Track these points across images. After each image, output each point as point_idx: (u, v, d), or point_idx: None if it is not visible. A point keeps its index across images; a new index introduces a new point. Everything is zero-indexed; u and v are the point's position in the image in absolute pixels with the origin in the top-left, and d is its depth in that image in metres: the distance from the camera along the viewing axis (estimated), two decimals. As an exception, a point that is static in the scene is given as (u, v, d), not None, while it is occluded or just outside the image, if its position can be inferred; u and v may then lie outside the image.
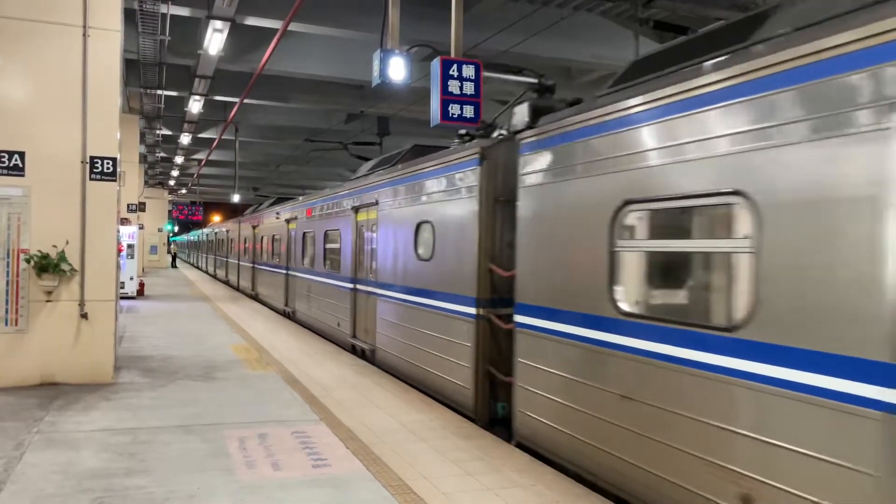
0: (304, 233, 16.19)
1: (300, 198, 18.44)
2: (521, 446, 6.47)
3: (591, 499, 5.17)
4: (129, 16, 12.79)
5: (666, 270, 5.20)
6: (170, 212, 49.42)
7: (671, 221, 5.01)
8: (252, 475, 5.43)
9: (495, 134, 7.58)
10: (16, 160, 8.40)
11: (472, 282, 7.48)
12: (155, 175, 43.37)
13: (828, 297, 3.56)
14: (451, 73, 7.26)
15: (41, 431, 6.50)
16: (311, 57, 17.25)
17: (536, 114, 6.69)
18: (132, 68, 17.43)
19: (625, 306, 5.16)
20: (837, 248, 3.53)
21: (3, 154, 8.36)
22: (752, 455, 3.95)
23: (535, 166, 6.42)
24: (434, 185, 8.64)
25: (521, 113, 6.85)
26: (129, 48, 14.62)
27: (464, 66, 7.32)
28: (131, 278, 20.53)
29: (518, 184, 6.67)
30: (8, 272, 8.45)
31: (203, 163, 35.20)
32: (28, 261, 8.40)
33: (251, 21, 14.05)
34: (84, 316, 8.66)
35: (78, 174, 8.63)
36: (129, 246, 20.03)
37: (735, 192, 4.15)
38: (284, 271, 18.31)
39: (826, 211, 3.60)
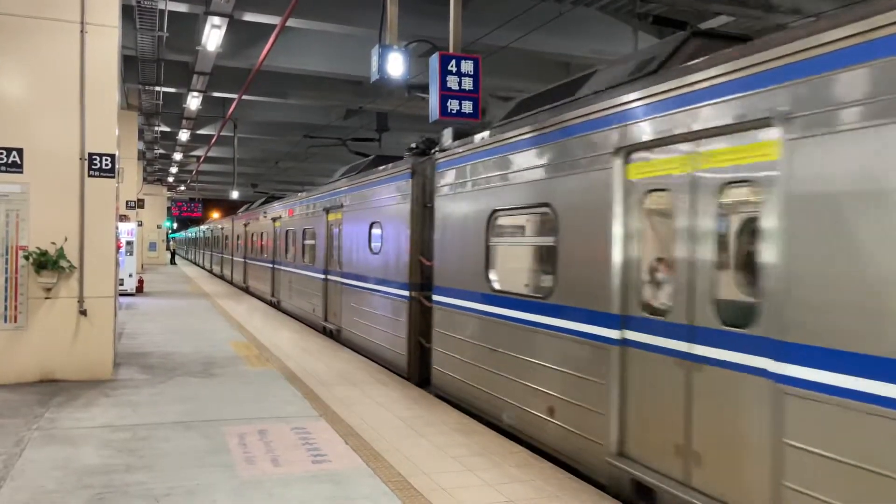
0: (287, 230, 18.12)
1: (284, 199, 20.53)
2: (438, 396, 8.29)
3: (589, 493, 5.18)
4: (126, 12, 12.75)
5: (515, 258, 7.37)
6: (169, 209, 49.39)
7: (517, 224, 7.24)
8: (252, 471, 5.43)
9: (435, 150, 9.07)
10: (14, 157, 8.38)
11: (406, 270, 9.47)
12: (154, 172, 43.34)
13: (591, 274, 5.53)
14: (449, 68, 7.24)
15: (41, 428, 6.50)
16: (309, 53, 17.21)
17: (457, 136, 8.38)
18: (130, 65, 17.39)
19: (495, 285, 7.13)
20: (594, 242, 5.47)
21: (1, 151, 8.34)
22: (555, 380, 5.99)
23: (444, 180, 8.33)
24: (382, 192, 10.62)
25: (447, 135, 8.57)
26: (127, 44, 14.59)
27: (462, 62, 7.30)
28: (130, 275, 20.51)
29: (435, 193, 8.61)
30: (7, 269, 8.44)
31: (202, 159, 35.17)
32: (27, 258, 8.39)
33: (249, 17, 14.02)
34: (83, 313, 8.66)
35: (76, 171, 8.62)
36: (128, 243, 20.01)
37: (545, 204, 6.24)
38: (271, 265, 20.07)
39: (588, 215, 5.57)
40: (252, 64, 16.27)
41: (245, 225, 25.30)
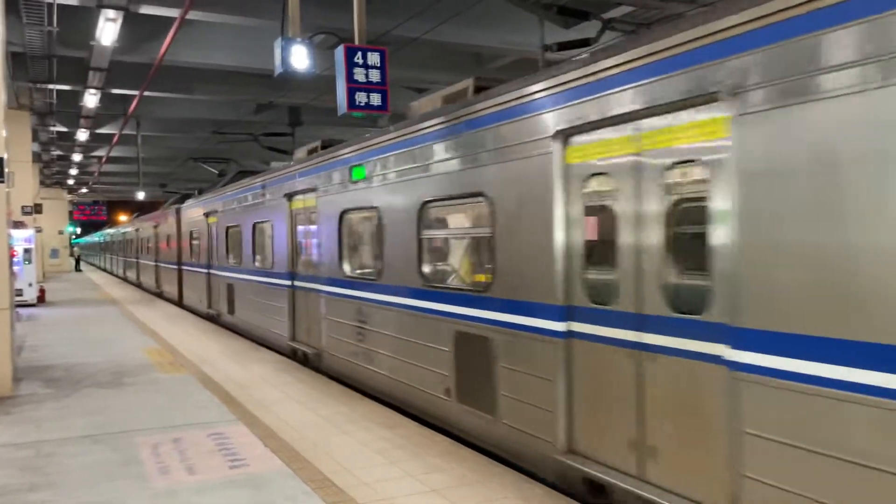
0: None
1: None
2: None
3: (511, 476, 5.27)
4: (11, 4, 11.96)
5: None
6: (71, 213, 46.87)
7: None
8: (166, 481, 5.24)
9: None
10: None
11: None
12: (52, 174, 40.95)
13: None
14: (356, 60, 7.15)
15: (-69, 453, 6.06)
16: (214, 46, 16.61)
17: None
18: (19, 61, 16.34)
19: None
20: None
21: None
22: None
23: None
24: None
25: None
26: (13, 40, 13.69)
27: (369, 54, 7.22)
28: (30, 284, 19.41)
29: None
30: None
31: (104, 160, 33.45)
32: None
33: (147, 9, 13.39)
34: (-25, 327, 8.12)
35: (-40, 176, 8.05)
36: (26, 250, 18.92)
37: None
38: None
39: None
40: (153, 59, 15.56)
41: (155, 227, 24.14)
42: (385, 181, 7.48)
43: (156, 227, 24.79)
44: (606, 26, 13.38)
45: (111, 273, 42.73)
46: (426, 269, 6.90)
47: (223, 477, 5.32)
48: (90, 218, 45.93)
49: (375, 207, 7.67)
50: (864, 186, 3.07)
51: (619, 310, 4.55)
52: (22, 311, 16.92)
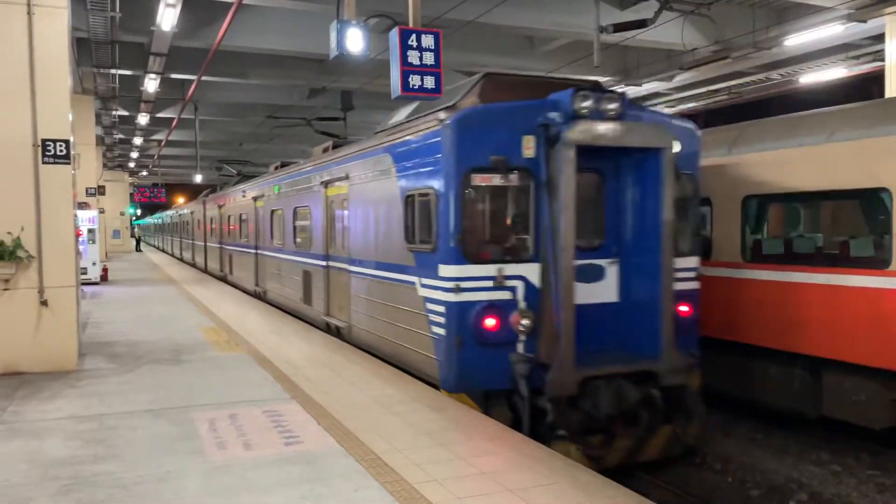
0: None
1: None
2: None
3: (561, 461, 5.25)
4: (76, -8, 12.33)
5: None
6: (132, 195, 48.35)
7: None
8: (223, 455, 5.40)
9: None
10: (-37, 145, 8.10)
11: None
12: (114, 157, 42.34)
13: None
14: (409, 43, 7.14)
15: (5, 421, 6.37)
16: (269, 31, 16.85)
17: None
18: (83, 47, 16.88)
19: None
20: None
21: (-51, 139, 8.05)
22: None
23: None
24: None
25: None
26: (78, 26, 14.13)
27: (423, 36, 7.20)
28: (94, 263, 20.11)
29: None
30: (-39, 261, 8.19)
31: (163, 143, 34.39)
32: (-18, 249, 8.16)
33: (205, -5, 13.67)
34: (44, 303, 8.46)
35: (30, 158, 8.36)
36: (90, 230, 19.60)
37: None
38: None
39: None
40: (210, 44, 15.87)
41: (220, 207, 23.81)
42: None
43: (204, 210, 26.09)
44: (664, 6, 13.02)
45: (167, 253, 43.99)
46: (297, 238, 13.32)
47: (278, 453, 5.44)
48: (150, 200, 47.24)
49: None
50: (370, 211, 9.30)
51: (340, 255, 10.66)
52: (86, 288, 17.58)
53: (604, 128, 6.80)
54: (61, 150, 8.49)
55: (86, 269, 19.26)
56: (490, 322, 6.83)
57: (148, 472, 5.05)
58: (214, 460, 5.30)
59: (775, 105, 23.26)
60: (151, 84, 19.04)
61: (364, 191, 9.36)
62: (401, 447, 5.59)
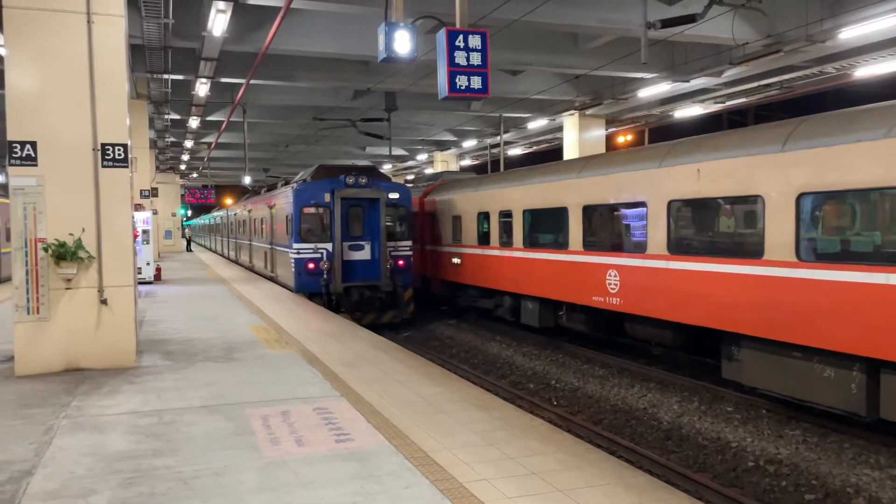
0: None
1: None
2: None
3: (611, 463, 5.22)
4: (132, 0, 12.72)
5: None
6: (182, 196, 49.52)
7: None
8: (277, 451, 5.52)
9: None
10: (28, 150, 8.44)
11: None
12: (166, 160, 43.44)
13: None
14: (457, 44, 7.16)
15: (69, 416, 6.63)
16: (315, 34, 17.10)
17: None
18: (138, 53, 17.39)
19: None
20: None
21: (15, 145, 8.40)
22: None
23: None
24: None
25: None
26: (133, 33, 14.57)
27: (470, 37, 7.22)
28: (148, 263, 20.70)
29: None
30: (27, 261, 8.55)
31: (213, 146, 35.20)
32: (46, 249, 8.49)
33: (254, 0, 13.95)
34: (104, 302, 8.77)
35: (90, 162, 8.67)
36: (144, 231, 20.18)
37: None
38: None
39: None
40: (258, 48, 16.21)
41: (270, 207, 25.74)
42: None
43: (250, 211, 27.62)
44: (714, 1, 12.76)
45: (216, 253, 44.99)
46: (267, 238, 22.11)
47: (330, 450, 5.54)
48: (200, 201, 48.40)
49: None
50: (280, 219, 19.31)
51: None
52: (141, 288, 18.14)
53: (354, 190, 16.74)
54: (119, 154, 8.79)
55: (140, 268, 19.86)
56: (311, 266, 16.73)
57: (205, 467, 5.20)
58: (269, 456, 5.42)
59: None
60: (202, 88, 19.53)
61: (280, 210, 19.34)
62: (450, 445, 5.64)
